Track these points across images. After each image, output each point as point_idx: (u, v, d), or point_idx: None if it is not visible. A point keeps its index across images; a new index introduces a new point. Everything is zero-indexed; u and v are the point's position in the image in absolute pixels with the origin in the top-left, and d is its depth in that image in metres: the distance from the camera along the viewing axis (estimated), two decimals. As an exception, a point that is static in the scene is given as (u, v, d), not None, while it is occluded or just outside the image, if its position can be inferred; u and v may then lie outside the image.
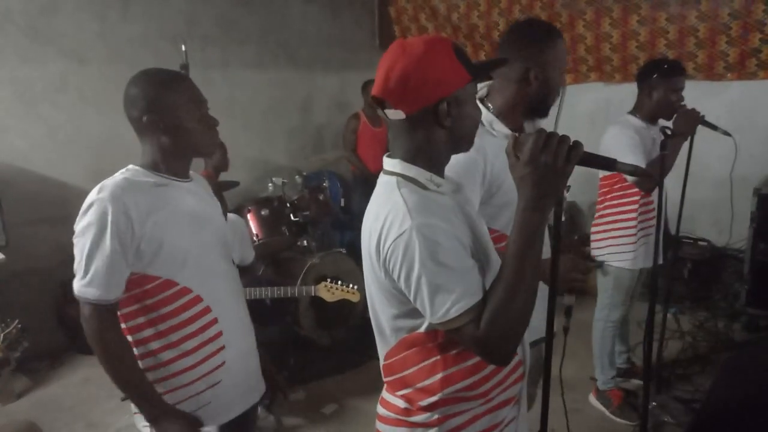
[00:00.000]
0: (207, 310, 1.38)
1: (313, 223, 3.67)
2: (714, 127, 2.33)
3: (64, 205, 3.45)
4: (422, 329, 1.05)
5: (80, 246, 1.27)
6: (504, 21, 4.59)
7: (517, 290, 0.93)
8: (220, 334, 1.40)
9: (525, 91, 1.54)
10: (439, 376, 1.06)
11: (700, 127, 2.29)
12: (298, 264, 3.25)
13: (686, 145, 2.34)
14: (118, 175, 1.33)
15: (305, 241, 3.66)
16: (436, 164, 1.07)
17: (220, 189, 2.19)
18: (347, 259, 3.39)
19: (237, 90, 4.45)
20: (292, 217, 3.45)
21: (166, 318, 1.34)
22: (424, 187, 1.04)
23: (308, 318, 3.22)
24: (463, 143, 1.09)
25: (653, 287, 2.09)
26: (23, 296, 3.30)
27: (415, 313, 1.03)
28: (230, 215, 2.53)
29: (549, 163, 0.89)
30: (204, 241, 1.41)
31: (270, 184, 3.77)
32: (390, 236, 0.98)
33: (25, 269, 3.36)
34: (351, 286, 2.78)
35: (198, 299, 1.37)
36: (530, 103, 1.57)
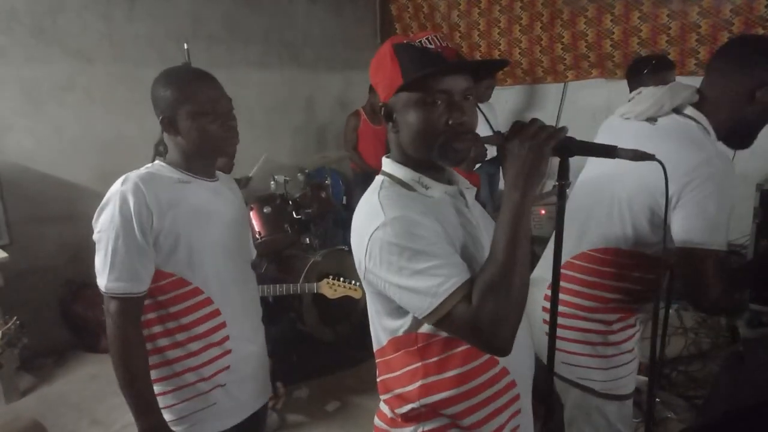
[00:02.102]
0: (216, 312, 1.37)
1: (316, 221, 3.68)
2: None
3: (69, 203, 3.49)
4: (401, 332, 1.03)
5: (104, 240, 1.25)
6: (505, 18, 4.59)
7: (508, 269, 0.89)
8: (227, 338, 1.39)
9: (744, 109, 1.36)
10: (418, 383, 1.04)
11: None
12: (301, 261, 3.26)
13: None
14: (143, 169, 1.34)
15: (308, 239, 3.68)
16: (422, 166, 1.04)
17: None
18: (349, 256, 3.39)
19: (241, 89, 4.45)
20: (295, 215, 3.46)
21: (175, 316, 1.33)
22: (410, 189, 1.03)
23: (311, 315, 3.23)
24: (417, 149, 1.01)
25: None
26: (28, 294, 3.33)
27: (396, 313, 1.02)
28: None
29: (524, 142, 0.91)
30: (222, 243, 1.39)
31: (272, 182, 3.79)
32: (366, 233, 0.97)
33: (30, 267, 3.39)
34: (353, 282, 2.79)
35: (208, 301, 1.36)
36: (744, 123, 1.39)
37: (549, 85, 4.65)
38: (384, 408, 1.13)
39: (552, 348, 1.06)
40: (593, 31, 4.18)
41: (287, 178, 3.70)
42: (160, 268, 1.30)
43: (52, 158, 3.56)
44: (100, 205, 1.28)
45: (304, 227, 3.58)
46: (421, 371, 1.04)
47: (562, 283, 1.49)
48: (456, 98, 0.97)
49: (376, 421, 1.16)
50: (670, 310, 2.74)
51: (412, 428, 1.06)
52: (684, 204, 1.29)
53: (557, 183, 0.99)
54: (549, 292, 1.48)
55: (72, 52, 3.58)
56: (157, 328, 1.34)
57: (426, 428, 1.05)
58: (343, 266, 3.26)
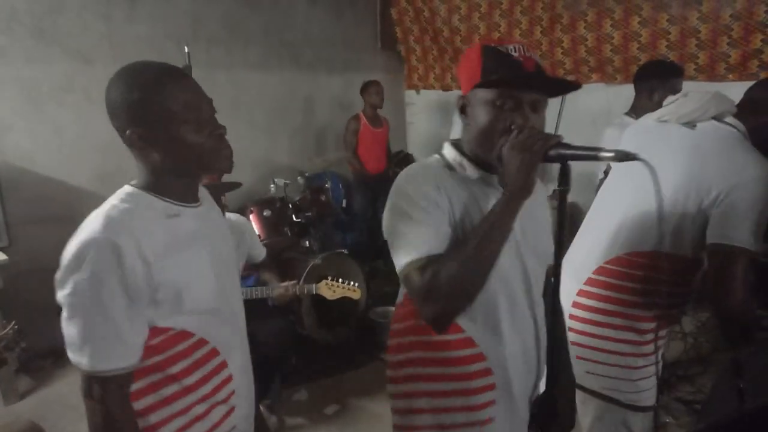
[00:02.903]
0: (223, 365, 1.11)
1: (315, 224, 3.68)
2: None
3: (69, 205, 3.48)
4: (401, 297, 1.18)
5: (80, 306, 0.97)
6: (505, 23, 4.60)
7: (470, 259, 0.97)
8: (232, 393, 1.14)
9: None
10: (407, 339, 1.17)
11: None
12: (300, 265, 3.26)
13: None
14: (117, 202, 1.03)
15: (307, 242, 3.68)
16: (475, 153, 1.10)
17: (222, 191, 2.20)
18: (349, 259, 3.39)
19: (241, 90, 4.47)
20: (294, 218, 3.46)
21: (175, 378, 1.05)
22: (450, 168, 1.12)
23: (310, 317, 3.23)
24: (481, 145, 1.06)
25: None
26: (27, 296, 3.31)
27: None
28: (234, 215, 2.55)
29: (513, 150, 0.97)
30: (220, 280, 1.12)
31: (272, 185, 3.79)
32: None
33: (29, 269, 3.37)
34: (352, 283, 2.79)
35: (215, 352, 1.09)
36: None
37: (549, 88, 4.66)
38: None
39: (553, 322, 1.10)
40: (593, 36, 4.19)
41: (287, 182, 3.70)
42: (154, 324, 1.02)
43: (51, 159, 3.55)
44: (70, 256, 0.98)
45: (304, 230, 3.58)
46: (411, 329, 1.16)
47: (594, 290, 1.48)
48: (524, 106, 1.02)
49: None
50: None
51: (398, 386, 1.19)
52: (729, 202, 1.29)
53: (557, 189, 0.99)
54: (577, 299, 1.50)
55: (72, 53, 3.58)
56: (148, 400, 1.04)
57: (402, 389, 1.18)
58: (343, 270, 3.25)
